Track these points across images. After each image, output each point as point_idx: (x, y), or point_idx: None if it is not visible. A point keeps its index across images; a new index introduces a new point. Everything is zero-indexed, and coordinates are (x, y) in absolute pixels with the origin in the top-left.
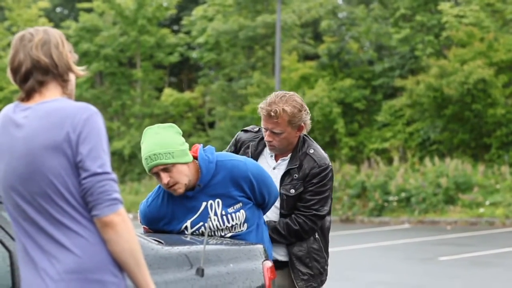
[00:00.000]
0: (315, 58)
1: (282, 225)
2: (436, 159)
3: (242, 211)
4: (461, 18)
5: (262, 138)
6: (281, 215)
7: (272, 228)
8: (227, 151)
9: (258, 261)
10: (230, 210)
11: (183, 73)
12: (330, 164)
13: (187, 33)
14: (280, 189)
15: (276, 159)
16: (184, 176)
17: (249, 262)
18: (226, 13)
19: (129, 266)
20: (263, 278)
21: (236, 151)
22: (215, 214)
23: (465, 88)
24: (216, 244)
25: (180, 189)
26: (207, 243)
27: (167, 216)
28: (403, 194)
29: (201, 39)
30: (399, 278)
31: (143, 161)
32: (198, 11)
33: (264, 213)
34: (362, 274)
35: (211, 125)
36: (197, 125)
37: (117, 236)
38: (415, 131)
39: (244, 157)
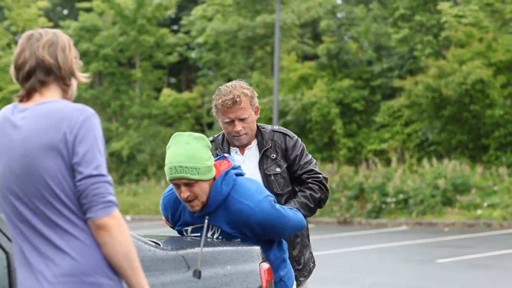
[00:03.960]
0: (314, 58)
1: (307, 199)
2: (434, 160)
3: (239, 242)
4: (460, 18)
5: (223, 140)
6: (277, 196)
7: (302, 204)
8: None
9: (255, 262)
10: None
11: (182, 73)
12: None
13: (187, 33)
14: (263, 172)
15: (242, 152)
16: (204, 193)
17: (246, 263)
18: (225, 13)
19: (123, 269)
20: (260, 279)
21: None
22: (212, 235)
23: (464, 89)
24: (213, 245)
25: (197, 206)
26: (204, 245)
27: (175, 214)
28: (401, 196)
29: (200, 39)
30: (397, 280)
31: (167, 169)
32: (197, 11)
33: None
34: (360, 276)
35: (210, 126)
36: (196, 126)
37: (111, 239)
38: (413, 132)
39: (263, 199)
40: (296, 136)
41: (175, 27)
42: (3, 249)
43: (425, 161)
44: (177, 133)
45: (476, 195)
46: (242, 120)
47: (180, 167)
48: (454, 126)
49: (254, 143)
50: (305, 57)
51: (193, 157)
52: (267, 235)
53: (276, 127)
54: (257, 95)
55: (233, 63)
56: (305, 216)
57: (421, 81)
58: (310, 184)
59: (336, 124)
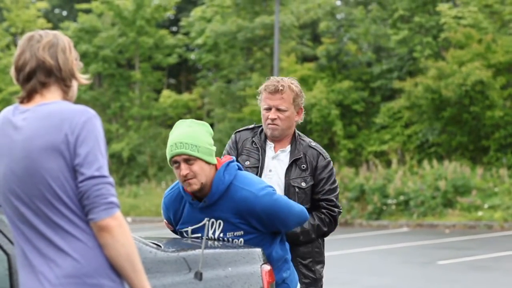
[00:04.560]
0: (313, 60)
1: (312, 228)
2: (435, 161)
3: (241, 239)
4: (459, 20)
5: (261, 131)
6: None
7: (302, 231)
8: (227, 154)
9: (256, 264)
10: (228, 234)
11: (182, 74)
12: None
13: (186, 34)
14: (288, 181)
15: (275, 149)
16: (203, 174)
17: (248, 265)
18: (225, 14)
19: (125, 270)
20: (261, 281)
21: (238, 153)
22: (213, 233)
23: (463, 90)
24: (214, 247)
25: (195, 185)
26: (205, 247)
27: (178, 212)
28: (401, 197)
29: (199, 41)
30: (398, 282)
31: (168, 149)
32: (196, 12)
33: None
34: (361, 278)
35: (210, 127)
36: None
37: (113, 240)
38: (414, 133)
39: (265, 187)
40: (330, 158)
41: (174, 29)
42: (4, 251)
43: (425, 163)
44: (180, 120)
45: (477, 196)
46: (279, 110)
47: (181, 143)
48: (454, 128)
49: (288, 148)
50: (305, 59)
51: (194, 136)
52: (272, 224)
53: (313, 143)
54: (304, 97)
55: (233, 65)
56: (300, 241)
57: (421, 83)
58: (323, 215)
59: (336, 125)
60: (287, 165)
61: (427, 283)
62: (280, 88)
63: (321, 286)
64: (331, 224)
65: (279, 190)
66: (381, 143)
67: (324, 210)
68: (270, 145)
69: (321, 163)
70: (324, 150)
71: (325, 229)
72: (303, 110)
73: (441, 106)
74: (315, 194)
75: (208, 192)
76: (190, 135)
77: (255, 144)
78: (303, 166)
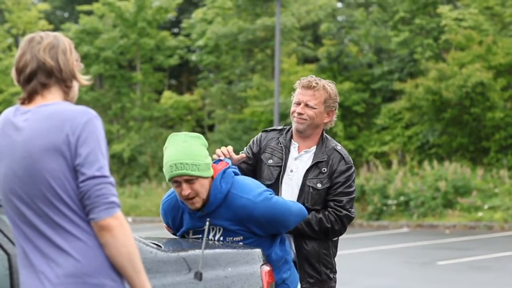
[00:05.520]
0: (314, 61)
1: (315, 220)
2: (435, 162)
3: (240, 243)
4: (460, 22)
5: (289, 130)
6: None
7: (306, 222)
8: (247, 152)
9: (256, 265)
10: (228, 239)
11: (183, 75)
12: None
13: (187, 35)
14: (305, 181)
15: (299, 150)
16: (204, 190)
17: (247, 266)
18: (226, 16)
19: (126, 270)
20: (261, 282)
21: (261, 151)
22: (213, 237)
23: (464, 92)
24: (214, 248)
25: (197, 203)
26: (205, 247)
27: (176, 219)
28: (402, 198)
29: (200, 42)
30: (398, 283)
31: (166, 167)
32: (197, 14)
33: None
34: (361, 278)
35: (211, 128)
36: (197, 128)
37: (114, 240)
38: (414, 134)
39: (262, 192)
40: (352, 164)
41: (175, 30)
42: (5, 251)
43: (426, 164)
44: (173, 133)
45: (477, 197)
46: (307, 106)
47: (181, 163)
48: (454, 129)
49: (313, 149)
50: (306, 60)
51: (192, 154)
52: (273, 228)
53: (339, 147)
54: (337, 101)
55: (234, 66)
56: (305, 233)
57: (422, 84)
58: (327, 213)
59: (336, 126)
60: (308, 166)
61: (427, 283)
62: (314, 85)
63: (331, 287)
64: (336, 222)
65: (297, 191)
66: (381, 144)
67: (330, 209)
68: (294, 145)
69: (340, 168)
70: (348, 155)
71: (328, 225)
72: (335, 113)
73: (442, 108)
74: (327, 195)
75: (206, 202)
76: (188, 154)
77: (280, 143)
78: (324, 170)
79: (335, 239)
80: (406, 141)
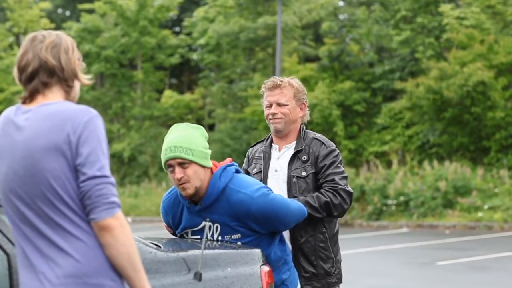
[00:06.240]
0: (315, 60)
1: (313, 198)
2: (435, 162)
3: (239, 242)
4: (461, 20)
5: (268, 137)
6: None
7: (303, 201)
8: (243, 168)
9: (256, 265)
10: (226, 237)
11: (184, 74)
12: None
13: (188, 34)
14: (290, 173)
15: (280, 149)
16: (197, 178)
17: (247, 266)
18: (227, 15)
19: (126, 270)
20: (260, 282)
21: (249, 166)
22: (212, 236)
23: (465, 91)
24: (214, 248)
25: (189, 189)
26: (205, 247)
27: (176, 216)
28: (401, 198)
29: (202, 41)
30: (398, 283)
31: (162, 152)
32: (199, 13)
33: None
34: (361, 278)
35: (211, 127)
36: None
37: (114, 240)
38: (415, 134)
39: (260, 188)
40: (334, 147)
41: (177, 29)
42: (4, 251)
43: (426, 163)
44: (175, 124)
45: (477, 197)
46: (279, 105)
47: (175, 147)
48: (455, 128)
49: (293, 144)
50: (307, 59)
51: (188, 139)
52: (271, 224)
53: (318, 135)
54: (306, 93)
55: (235, 65)
56: (310, 214)
57: (423, 83)
58: (323, 190)
59: (337, 126)
60: (288, 159)
61: (427, 283)
62: (279, 83)
63: (329, 283)
64: (335, 197)
65: (285, 186)
66: (382, 143)
67: (325, 187)
68: (275, 147)
69: (323, 152)
70: (328, 140)
71: (327, 199)
72: (307, 106)
73: (443, 107)
74: (318, 181)
75: (204, 195)
76: (185, 139)
77: (261, 151)
78: (304, 158)
79: (333, 232)
80: (406, 140)
